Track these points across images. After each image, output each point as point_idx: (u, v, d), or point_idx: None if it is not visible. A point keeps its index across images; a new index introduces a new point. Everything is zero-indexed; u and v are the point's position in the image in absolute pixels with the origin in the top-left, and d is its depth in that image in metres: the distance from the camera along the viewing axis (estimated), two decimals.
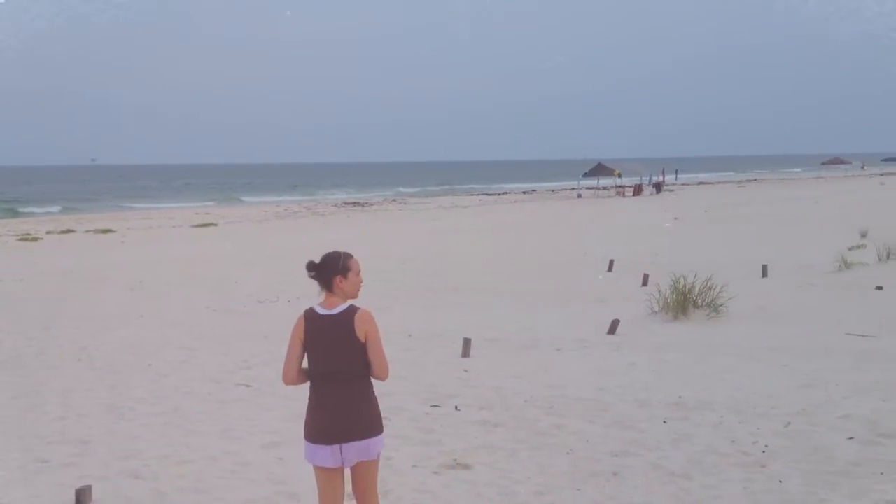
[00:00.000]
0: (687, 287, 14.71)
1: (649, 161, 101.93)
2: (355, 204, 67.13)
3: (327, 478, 4.75)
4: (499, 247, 28.91)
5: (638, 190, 66.53)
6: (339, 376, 4.66)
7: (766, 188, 73.10)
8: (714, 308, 14.55)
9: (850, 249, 21.23)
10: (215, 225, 46.37)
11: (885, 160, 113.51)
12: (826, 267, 19.45)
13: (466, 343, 11.65)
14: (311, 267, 4.78)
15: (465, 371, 10.62)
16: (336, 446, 4.63)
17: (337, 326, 4.66)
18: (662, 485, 6.40)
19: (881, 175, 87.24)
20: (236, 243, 34.45)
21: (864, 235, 24.40)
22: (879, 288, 16.58)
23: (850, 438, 7.40)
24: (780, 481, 6.40)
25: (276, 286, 19.91)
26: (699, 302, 14.63)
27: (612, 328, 13.37)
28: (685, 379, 9.96)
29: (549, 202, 61.79)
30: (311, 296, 5.00)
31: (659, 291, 14.81)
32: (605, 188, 72.21)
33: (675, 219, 37.96)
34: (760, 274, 19.35)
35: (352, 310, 4.71)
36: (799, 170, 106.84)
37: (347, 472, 4.83)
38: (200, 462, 7.19)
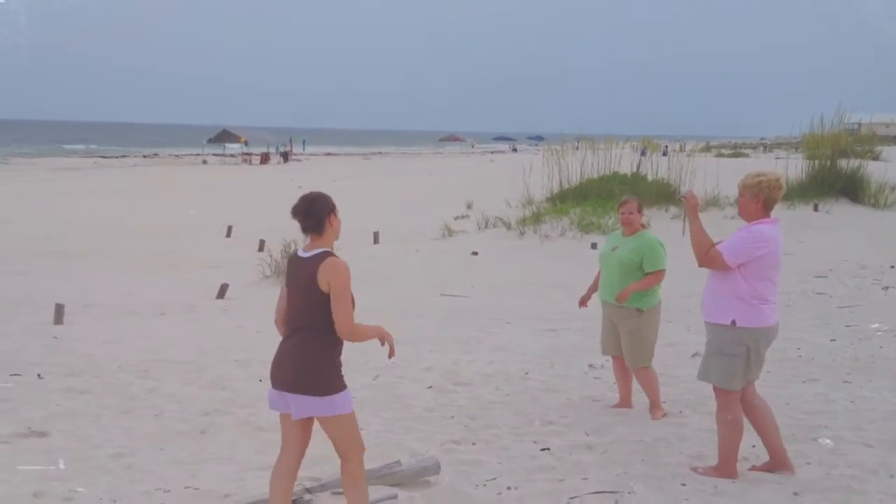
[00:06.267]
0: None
1: (277, 130, 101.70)
2: None
3: (282, 421, 4.58)
4: (109, 212, 27.29)
5: (265, 158, 66.31)
6: (298, 323, 4.41)
7: (389, 161, 76.55)
8: None
9: (455, 219, 22.93)
10: None
11: (496, 139, 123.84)
12: (432, 234, 20.84)
13: (59, 309, 10.86)
14: (298, 210, 4.38)
15: (55, 338, 9.90)
16: (281, 393, 4.42)
17: (305, 272, 4.36)
18: (248, 439, 6.44)
19: (491, 153, 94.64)
20: None
21: (469, 206, 26.45)
22: (475, 253, 18.11)
23: (429, 387, 7.98)
24: (363, 428, 6.71)
25: None
26: None
27: (221, 292, 13.25)
28: None
29: (172, 167, 59.51)
30: None
31: (270, 256, 14.92)
32: (232, 155, 71.02)
33: (300, 188, 38.47)
34: (373, 240, 20.24)
35: (322, 255, 4.38)
36: (417, 147, 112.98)
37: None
38: None
